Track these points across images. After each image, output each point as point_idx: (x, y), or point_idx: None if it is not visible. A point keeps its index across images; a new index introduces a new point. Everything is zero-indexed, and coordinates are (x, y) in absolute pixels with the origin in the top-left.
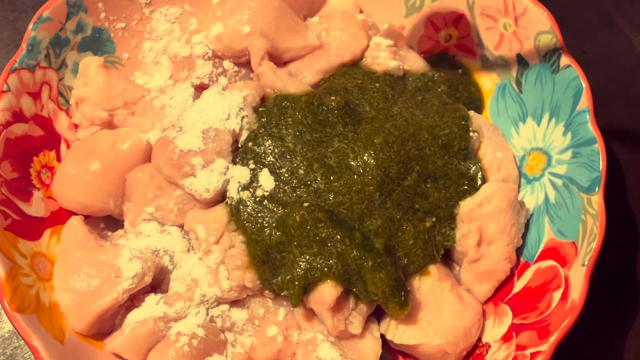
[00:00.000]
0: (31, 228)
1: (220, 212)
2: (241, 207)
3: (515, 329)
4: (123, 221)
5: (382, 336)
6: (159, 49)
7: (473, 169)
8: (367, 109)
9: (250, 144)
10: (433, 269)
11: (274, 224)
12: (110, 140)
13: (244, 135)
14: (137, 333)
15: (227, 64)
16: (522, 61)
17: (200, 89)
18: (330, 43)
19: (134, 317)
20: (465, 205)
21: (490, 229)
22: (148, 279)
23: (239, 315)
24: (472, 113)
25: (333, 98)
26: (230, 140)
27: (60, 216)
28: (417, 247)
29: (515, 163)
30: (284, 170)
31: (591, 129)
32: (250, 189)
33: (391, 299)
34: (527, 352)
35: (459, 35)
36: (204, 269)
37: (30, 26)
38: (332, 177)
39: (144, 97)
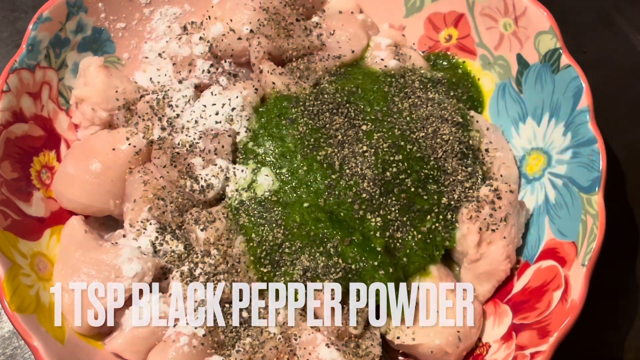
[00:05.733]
0: (31, 228)
1: (220, 212)
2: (241, 207)
3: (515, 329)
4: (123, 221)
5: (382, 336)
6: (159, 49)
7: (473, 168)
8: (367, 109)
9: (250, 144)
10: (433, 269)
11: (274, 224)
12: (110, 140)
13: (244, 135)
14: (137, 333)
15: (227, 64)
16: (522, 61)
17: (200, 89)
18: (330, 43)
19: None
20: (465, 206)
21: (490, 229)
22: (148, 279)
23: (239, 315)
24: (472, 113)
25: (333, 98)
26: (230, 140)
27: (60, 216)
28: (417, 247)
29: (515, 163)
30: (284, 170)
31: (591, 128)
32: (250, 189)
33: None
34: (527, 352)
35: (459, 35)
36: (203, 268)
37: (30, 26)
38: (332, 177)
39: (144, 97)
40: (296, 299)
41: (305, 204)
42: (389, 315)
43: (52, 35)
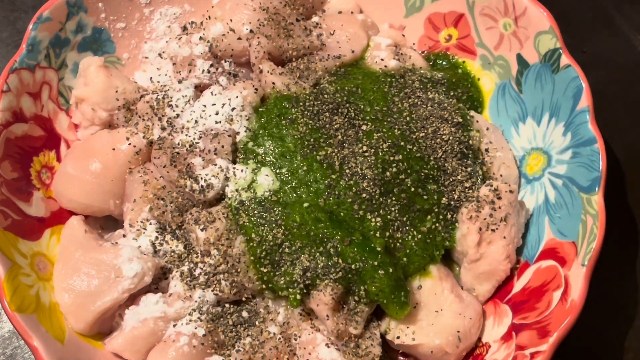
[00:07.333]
0: (31, 228)
1: (221, 212)
2: (241, 207)
3: (515, 329)
4: (123, 221)
5: (382, 336)
6: (159, 49)
7: (473, 168)
8: (367, 109)
9: (250, 144)
10: (433, 269)
11: (273, 224)
12: (110, 140)
13: (244, 135)
14: (137, 333)
15: (227, 64)
16: (522, 61)
17: (200, 89)
18: (330, 43)
19: (133, 317)
20: (465, 206)
21: (490, 229)
22: (148, 279)
23: (238, 315)
24: (472, 113)
25: (333, 98)
26: (230, 140)
27: (60, 216)
28: (417, 247)
29: (515, 163)
30: (284, 170)
31: (591, 128)
32: (250, 189)
33: (391, 299)
34: (527, 352)
35: (458, 35)
36: (203, 268)
37: (30, 26)
38: (332, 177)
39: (143, 97)
40: (296, 299)
41: (305, 204)
42: (388, 315)
43: (52, 35)
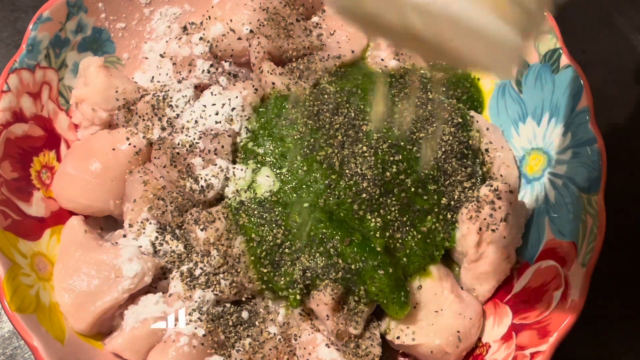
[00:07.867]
0: (31, 228)
1: (220, 212)
2: (241, 207)
3: (515, 329)
4: (123, 221)
5: (382, 336)
6: (159, 49)
7: (473, 169)
8: (367, 109)
9: (250, 144)
10: (433, 269)
11: (273, 225)
12: (110, 140)
13: (244, 136)
14: (137, 333)
15: (227, 64)
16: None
17: (200, 89)
18: (330, 43)
19: (133, 317)
20: (465, 206)
21: (490, 229)
22: (148, 279)
23: (238, 315)
24: (472, 113)
25: (333, 98)
26: (230, 140)
27: (60, 216)
28: (417, 248)
29: (515, 163)
30: (284, 170)
31: (591, 129)
32: (250, 190)
33: (391, 299)
34: (527, 352)
35: None
36: (203, 268)
37: (30, 26)
38: (332, 178)
39: (144, 97)
40: (295, 299)
41: (305, 204)
42: (388, 315)
43: (52, 35)
